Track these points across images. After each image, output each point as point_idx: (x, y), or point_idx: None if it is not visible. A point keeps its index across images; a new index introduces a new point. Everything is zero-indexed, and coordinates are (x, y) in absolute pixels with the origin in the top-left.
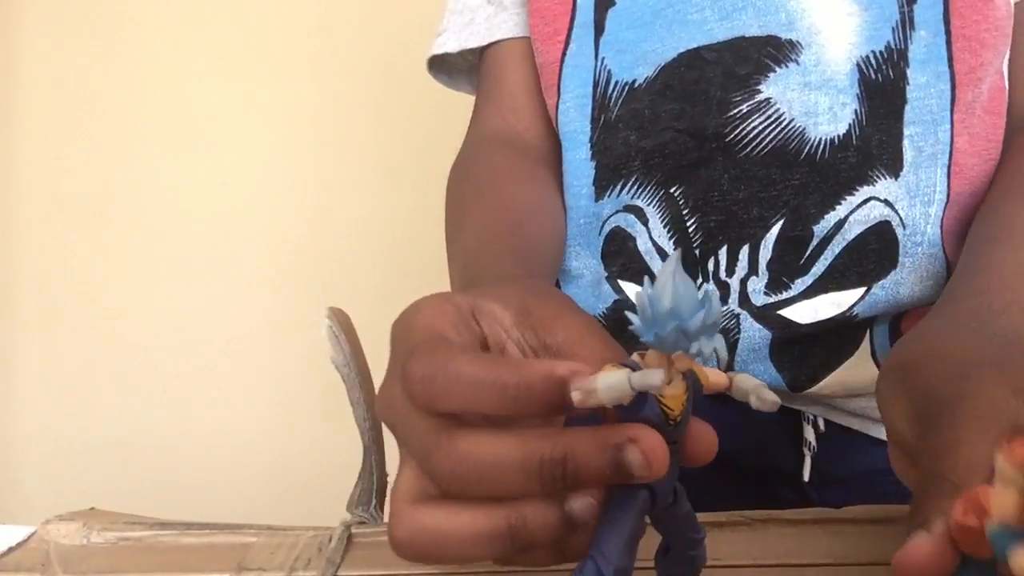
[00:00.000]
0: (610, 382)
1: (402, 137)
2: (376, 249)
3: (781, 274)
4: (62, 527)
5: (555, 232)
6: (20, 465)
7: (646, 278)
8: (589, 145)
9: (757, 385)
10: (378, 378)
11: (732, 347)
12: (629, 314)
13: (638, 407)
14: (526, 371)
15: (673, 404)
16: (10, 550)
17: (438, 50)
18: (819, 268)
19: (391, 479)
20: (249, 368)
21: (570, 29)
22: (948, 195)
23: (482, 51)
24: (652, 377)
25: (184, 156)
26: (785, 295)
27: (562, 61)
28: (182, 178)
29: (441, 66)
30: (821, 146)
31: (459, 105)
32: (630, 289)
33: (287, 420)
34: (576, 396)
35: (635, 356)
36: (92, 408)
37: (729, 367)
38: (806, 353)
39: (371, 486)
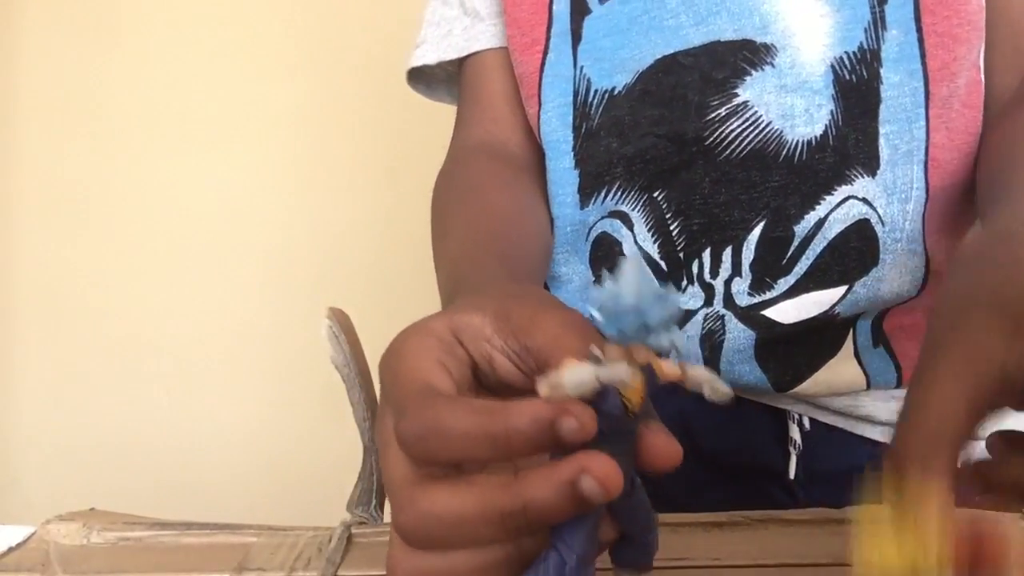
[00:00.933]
0: (576, 377)
1: (401, 136)
2: (376, 249)
3: (764, 275)
4: (62, 527)
5: (540, 236)
6: (20, 465)
7: (606, 275)
8: (572, 154)
9: (711, 377)
10: (377, 378)
11: (717, 348)
12: (591, 309)
13: (600, 401)
14: (512, 418)
15: (632, 396)
16: (10, 550)
17: (417, 62)
18: (801, 267)
19: None
20: (249, 368)
21: (548, 38)
22: (927, 191)
23: (461, 62)
24: (617, 371)
25: (184, 156)
26: (769, 295)
27: (541, 71)
28: (182, 178)
29: (420, 77)
30: (799, 148)
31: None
32: None
33: (287, 420)
34: (543, 391)
35: (593, 348)
36: (92, 408)
37: (715, 368)
38: (790, 353)
39: (371, 486)
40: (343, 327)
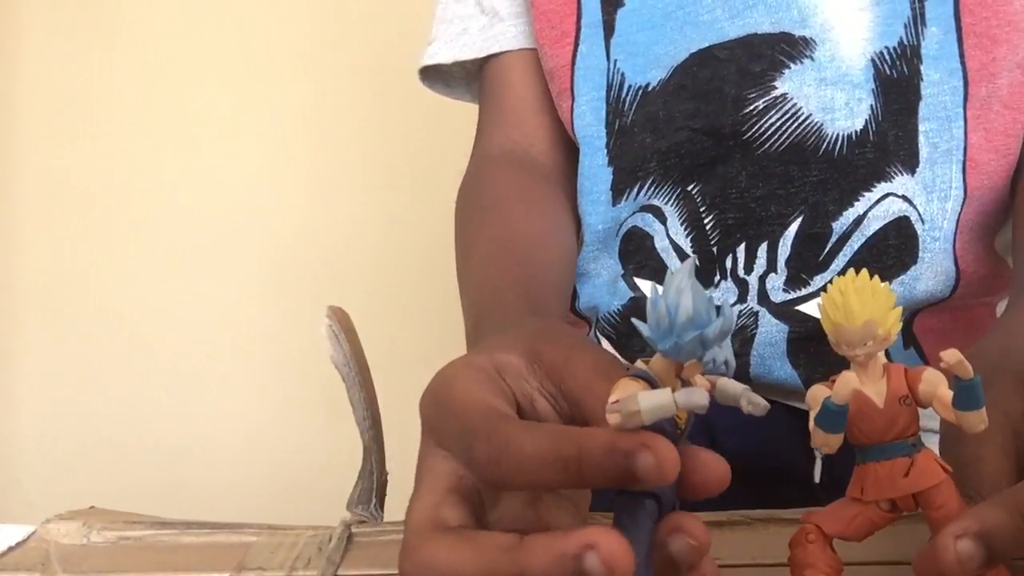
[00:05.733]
0: (654, 403)
1: (402, 136)
2: (376, 249)
3: (800, 271)
4: (62, 526)
5: (563, 258)
6: (20, 465)
7: (653, 286)
8: (606, 151)
9: (744, 389)
10: (378, 378)
11: (748, 342)
12: (639, 323)
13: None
14: (587, 443)
15: (681, 414)
16: (10, 550)
17: (429, 61)
18: (838, 264)
19: (391, 478)
20: (249, 367)
21: (578, 30)
22: (965, 191)
23: (481, 63)
24: (697, 397)
25: (184, 156)
26: (804, 291)
27: (573, 63)
28: (182, 178)
29: (437, 76)
30: (838, 142)
31: (458, 104)
32: (646, 287)
33: (287, 419)
34: (615, 419)
35: (640, 363)
36: (92, 408)
37: (745, 363)
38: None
39: (371, 485)
40: (343, 326)
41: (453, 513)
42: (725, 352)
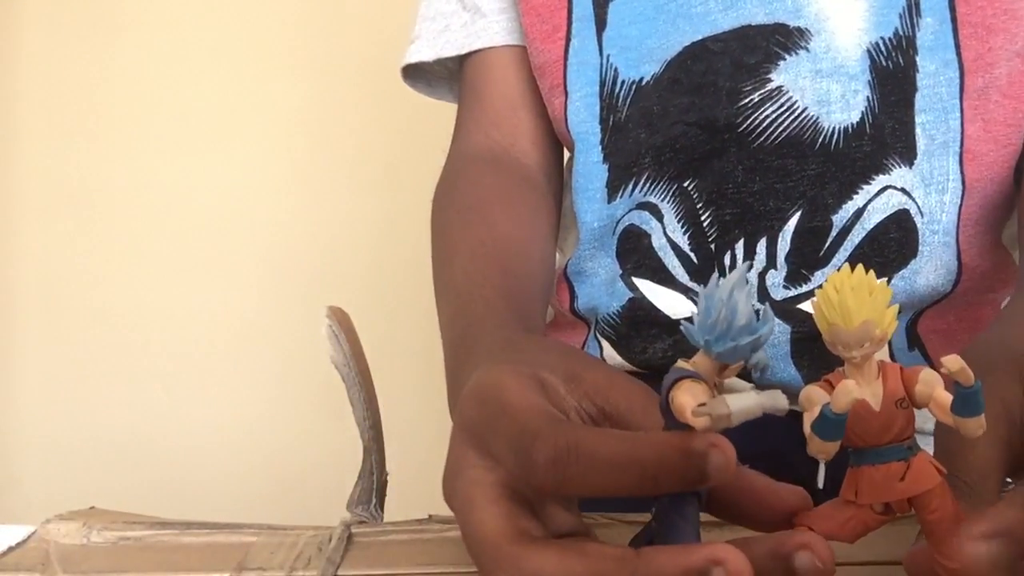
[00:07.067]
0: (742, 406)
1: (401, 136)
2: (376, 248)
3: (800, 266)
4: (62, 527)
5: (545, 262)
6: (20, 465)
7: (702, 290)
8: (600, 148)
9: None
10: (377, 378)
11: None
12: (688, 326)
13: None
14: (662, 447)
15: None
16: (10, 550)
17: (411, 59)
18: (840, 259)
19: (391, 478)
20: (249, 367)
21: (569, 24)
22: (963, 183)
23: (462, 61)
24: (780, 401)
25: (184, 156)
26: (805, 288)
27: (565, 58)
28: (182, 177)
29: (419, 75)
30: (835, 135)
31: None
32: (645, 287)
33: (287, 420)
34: (703, 422)
35: (683, 363)
36: (92, 407)
37: (747, 364)
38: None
39: (371, 485)
40: (343, 326)
41: (531, 524)
42: (762, 355)
